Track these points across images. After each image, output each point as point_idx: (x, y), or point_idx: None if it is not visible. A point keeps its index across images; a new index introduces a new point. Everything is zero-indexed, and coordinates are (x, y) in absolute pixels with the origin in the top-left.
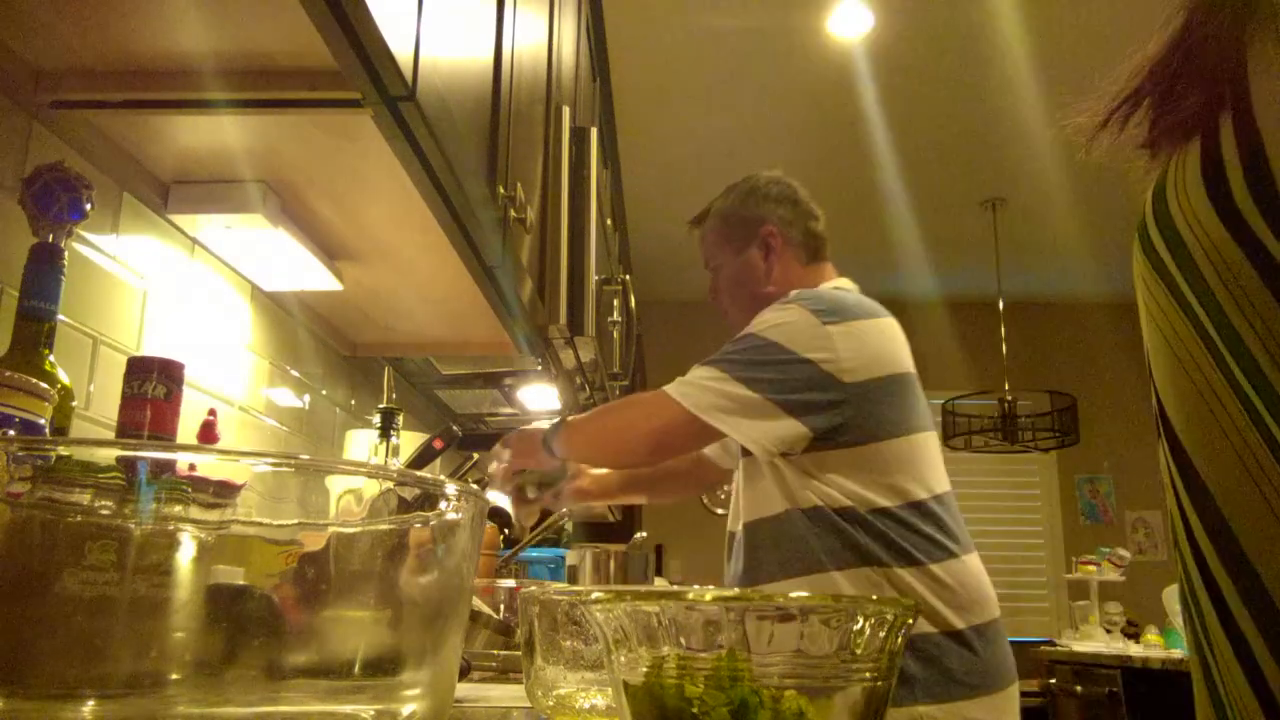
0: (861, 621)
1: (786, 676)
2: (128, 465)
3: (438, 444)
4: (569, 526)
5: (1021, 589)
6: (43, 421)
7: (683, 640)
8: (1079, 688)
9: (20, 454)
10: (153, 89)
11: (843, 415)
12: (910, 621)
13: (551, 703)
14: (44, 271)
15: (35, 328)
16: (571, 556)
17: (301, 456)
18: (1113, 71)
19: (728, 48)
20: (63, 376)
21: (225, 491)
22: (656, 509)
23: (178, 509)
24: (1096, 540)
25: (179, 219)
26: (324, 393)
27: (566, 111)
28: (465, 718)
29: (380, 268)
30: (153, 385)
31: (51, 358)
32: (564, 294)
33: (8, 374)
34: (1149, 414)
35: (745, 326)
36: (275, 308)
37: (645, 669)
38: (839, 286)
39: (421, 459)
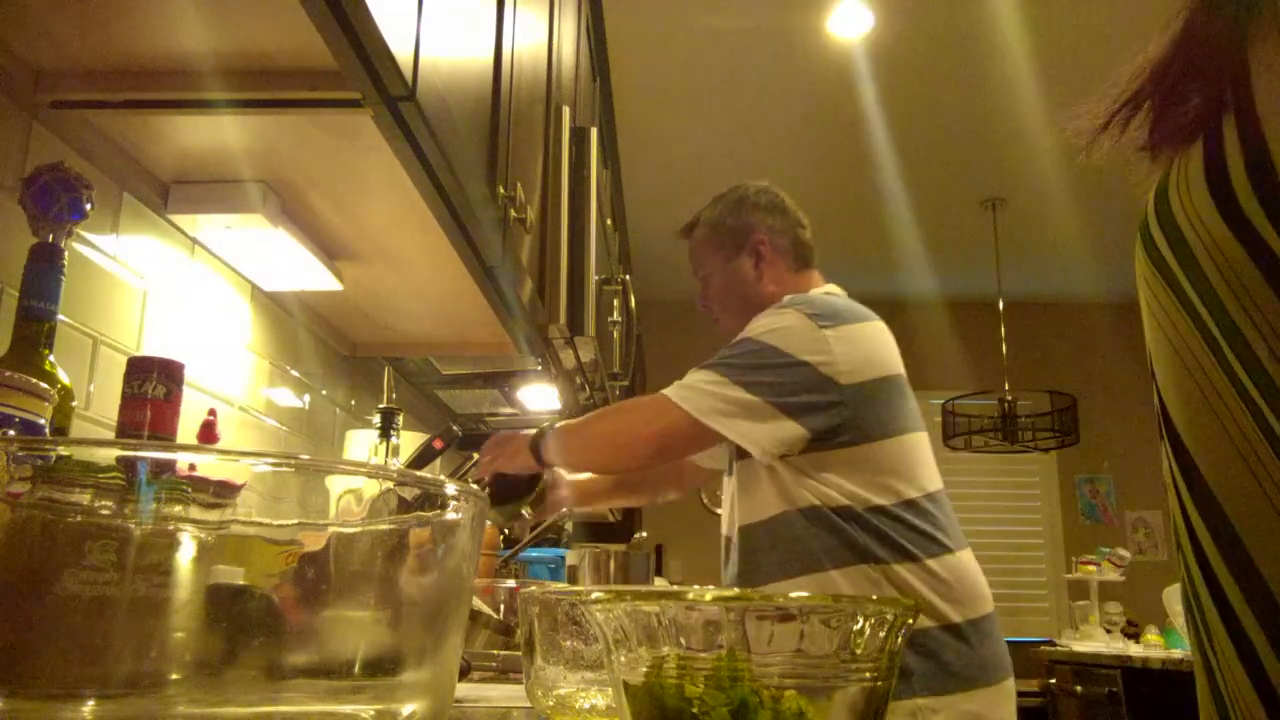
0: (861, 621)
1: (786, 676)
2: (128, 465)
3: (438, 444)
4: (569, 526)
5: (1021, 589)
6: (43, 421)
7: (683, 640)
8: (1079, 688)
9: (20, 454)
10: (153, 89)
11: (840, 416)
12: (910, 621)
13: (551, 703)
14: (44, 271)
15: (35, 328)
16: (571, 556)
17: (301, 456)
18: (1113, 74)
19: (728, 48)
20: (63, 376)
21: (225, 491)
22: (656, 509)
23: (178, 509)
24: (1096, 540)
25: (179, 219)
26: (324, 393)
27: (566, 111)
28: (465, 718)
29: (380, 268)
30: (153, 385)
31: (51, 358)
32: (564, 294)
33: (8, 374)
34: (1149, 414)
35: (738, 332)
36: (275, 308)
37: (645, 669)
38: (829, 292)
39: (421, 459)
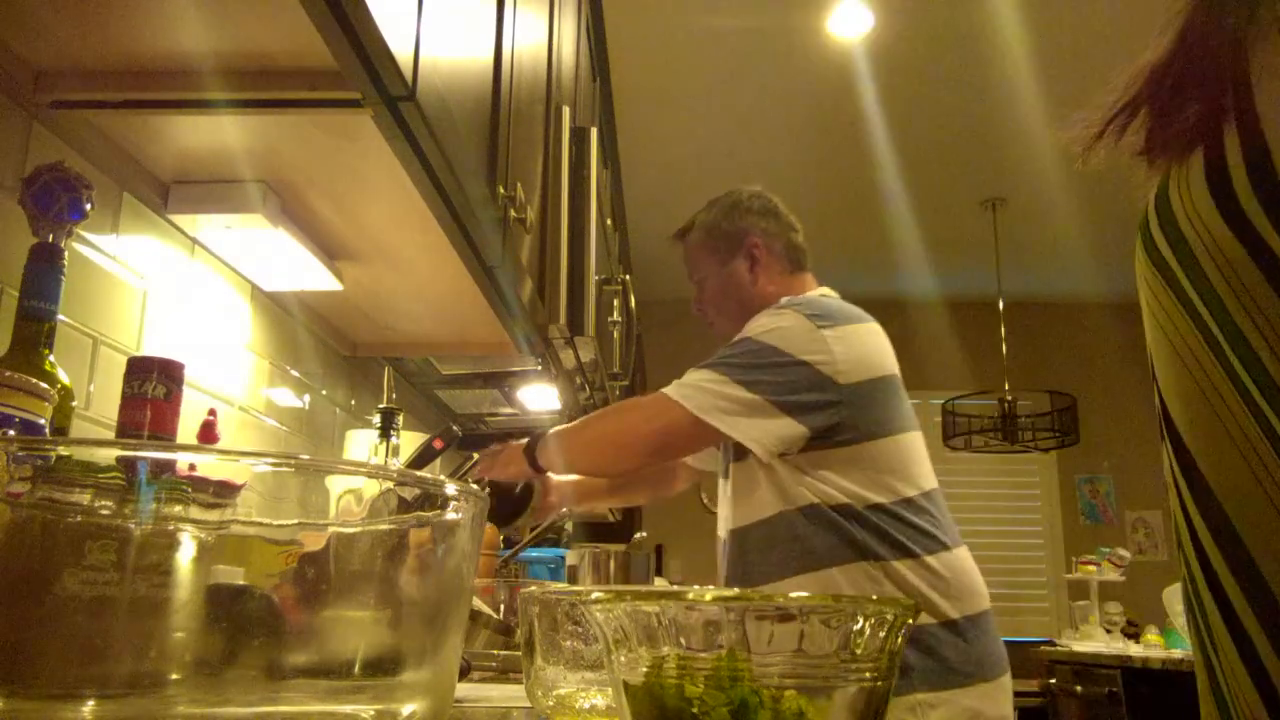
0: (861, 621)
1: (786, 676)
2: (128, 465)
3: (438, 444)
4: (569, 526)
5: (1021, 589)
6: (43, 421)
7: (683, 640)
8: (1079, 688)
9: (20, 454)
10: (153, 89)
11: (838, 415)
12: (910, 621)
13: (551, 703)
14: (44, 271)
15: (35, 328)
16: (571, 556)
17: (301, 456)
18: (1110, 77)
19: (728, 48)
20: (63, 376)
21: (225, 491)
22: (656, 509)
23: (178, 509)
24: (1096, 540)
25: (179, 219)
26: (324, 393)
27: (566, 111)
28: (465, 718)
29: (380, 268)
30: (153, 385)
31: (51, 358)
32: (564, 294)
33: (8, 374)
34: (1149, 414)
35: (733, 336)
36: (275, 308)
37: (645, 669)
38: (824, 294)
39: (421, 459)
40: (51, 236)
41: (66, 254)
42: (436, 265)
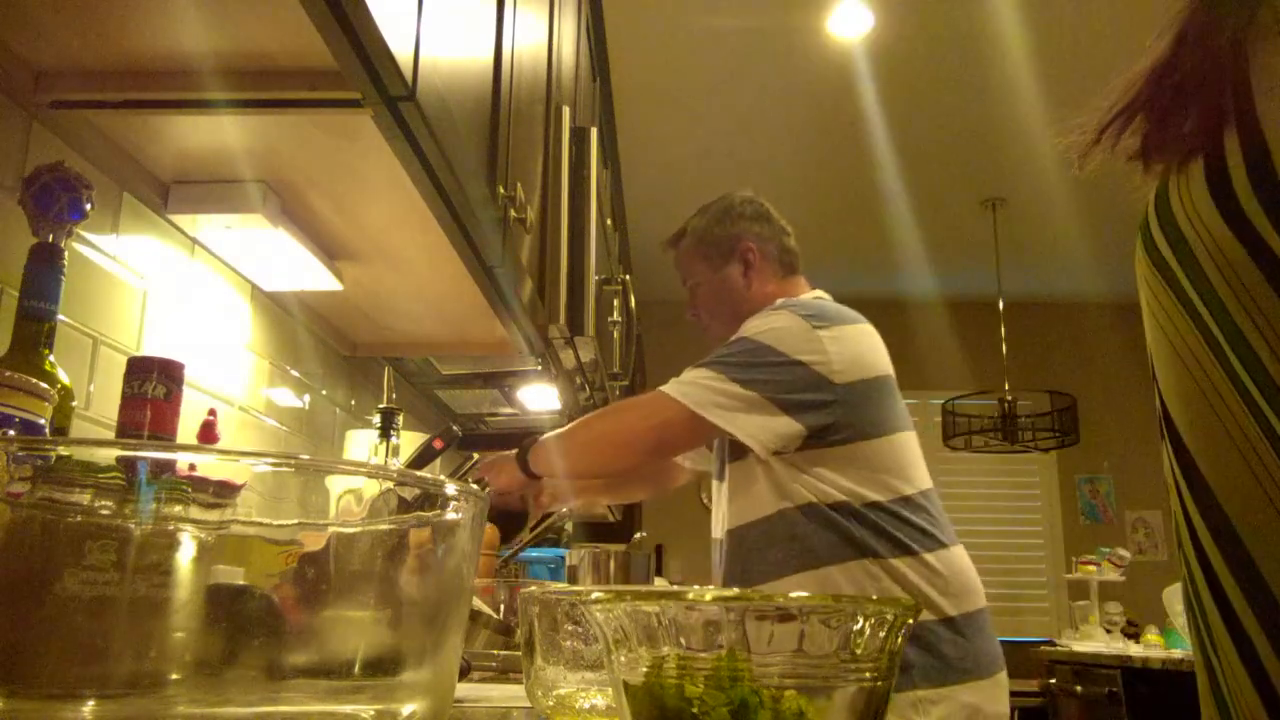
0: (861, 621)
1: (786, 676)
2: (128, 465)
3: (438, 444)
4: (569, 526)
5: (1021, 589)
6: (43, 421)
7: (683, 640)
8: (1079, 688)
9: (20, 454)
10: (153, 89)
11: (833, 415)
12: (910, 621)
13: (551, 703)
14: (44, 271)
15: (35, 328)
16: (571, 556)
17: (301, 456)
18: (1108, 80)
19: (728, 48)
20: (63, 376)
21: (225, 491)
22: (656, 509)
23: (178, 509)
24: (1096, 540)
25: (179, 219)
26: (324, 393)
27: (566, 111)
28: (465, 718)
29: (380, 268)
30: (153, 385)
31: (51, 358)
32: (564, 294)
33: (8, 374)
34: (1149, 414)
35: (727, 339)
36: (275, 308)
37: (645, 669)
38: (818, 296)
39: (421, 459)
40: (51, 236)
41: (66, 254)
42: (436, 265)
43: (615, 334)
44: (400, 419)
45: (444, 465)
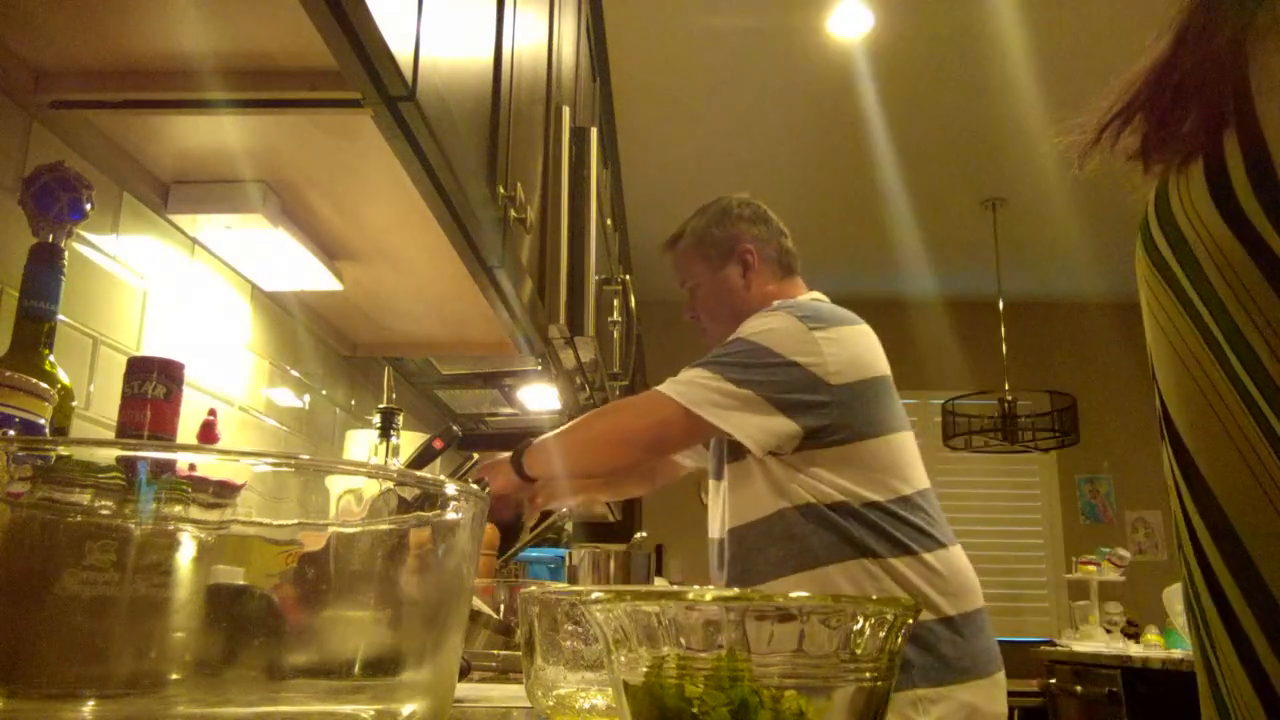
0: (861, 622)
1: (786, 676)
2: (128, 465)
3: (438, 444)
4: (569, 526)
5: (1021, 589)
6: (43, 421)
7: (683, 640)
8: (1079, 688)
9: (20, 454)
10: (152, 89)
11: (829, 416)
12: (910, 622)
13: (551, 703)
14: (44, 271)
15: (35, 328)
16: (571, 556)
17: (301, 456)
18: (1107, 82)
19: (728, 48)
20: (63, 376)
21: (225, 491)
22: (657, 509)
23: (178, 509)
24: (1096, 540)
25: (179, 219)
26: (324, 393)
27: (566, 111)
28: (465, 718)
29: (380, 268)
30: (153, 385)
31: (51, 358)
32: (564, 294)
33: (8, 374)
34: (1149, 414)
35: (726, 339)
36: (275, 308)
37: (645, 669)
38: (815, 298)
39: (421, 459)
40: (51, 236)
41: (66, 254)
42: (436, 265)
43: (615, 334)
44: (400, 419)
45: (444, 465)
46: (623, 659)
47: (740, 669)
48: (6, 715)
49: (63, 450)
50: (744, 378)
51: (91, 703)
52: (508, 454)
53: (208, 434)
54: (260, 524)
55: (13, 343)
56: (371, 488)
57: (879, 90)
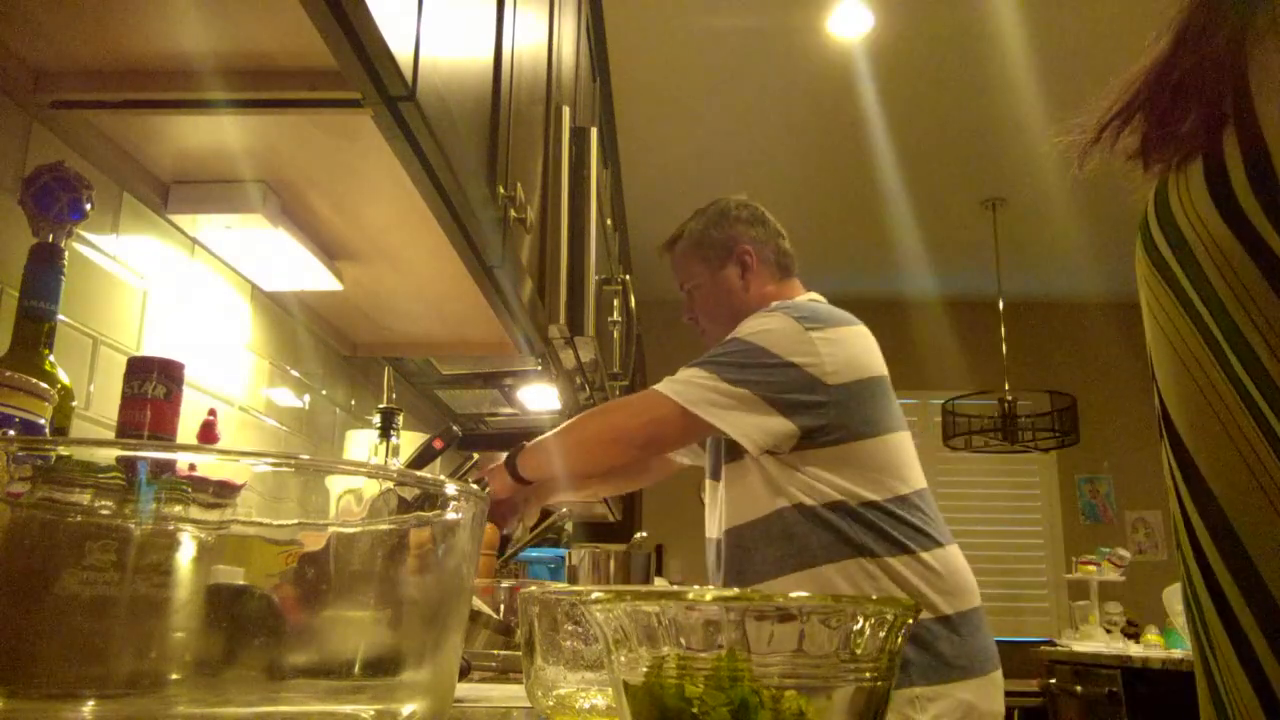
0: (861, 622)
1: (786, 676)
2: (128, 465)
3: (438, 444)
4: (569, 526)
5: (1021, 589)
6: (43, 421)
7: (683, 640)
8: (1079, 688)
9: (20, 454)
10: (152, 89)
11: (826, 416)
12: (910, 622)
13: (551, 703)
14: (44, 271)
15: (35, 328)
16: (571, 556)
17: (301, 456)
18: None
19: (728, 48)
20: (63, 376)
21: (225, 491)
22: (657, 509)
23: (178, 509)
24: (1096, 540)
25: (179, 219)
26: (324, 393)
27: (566, 111)
28: (465, 718)
29: (380, 268)
30: (153, 385)
31: (51, 358)
32: (564, 294)
33: (8, 374)
34: (1149, 414)
35: (724, 340)
36: (275, 308)
37: (645, 669)
38: (813, 299)
39: (421, 459)
40: (51, 236)
41: (66, 254)
42: (436, 265)
43: (615, 334)
44: (400, 419)
45: (444, 465)
46: (623, 659)
47: (740, 669)
48: (6, 715)
49: (63, 450)
50: (741, 377)
51: (91, 703)
52: (502, 458)
53: (208, 434)
54: (260, 524)
55: (13, 343)
56: (371, 488)
57: (879, 90)
